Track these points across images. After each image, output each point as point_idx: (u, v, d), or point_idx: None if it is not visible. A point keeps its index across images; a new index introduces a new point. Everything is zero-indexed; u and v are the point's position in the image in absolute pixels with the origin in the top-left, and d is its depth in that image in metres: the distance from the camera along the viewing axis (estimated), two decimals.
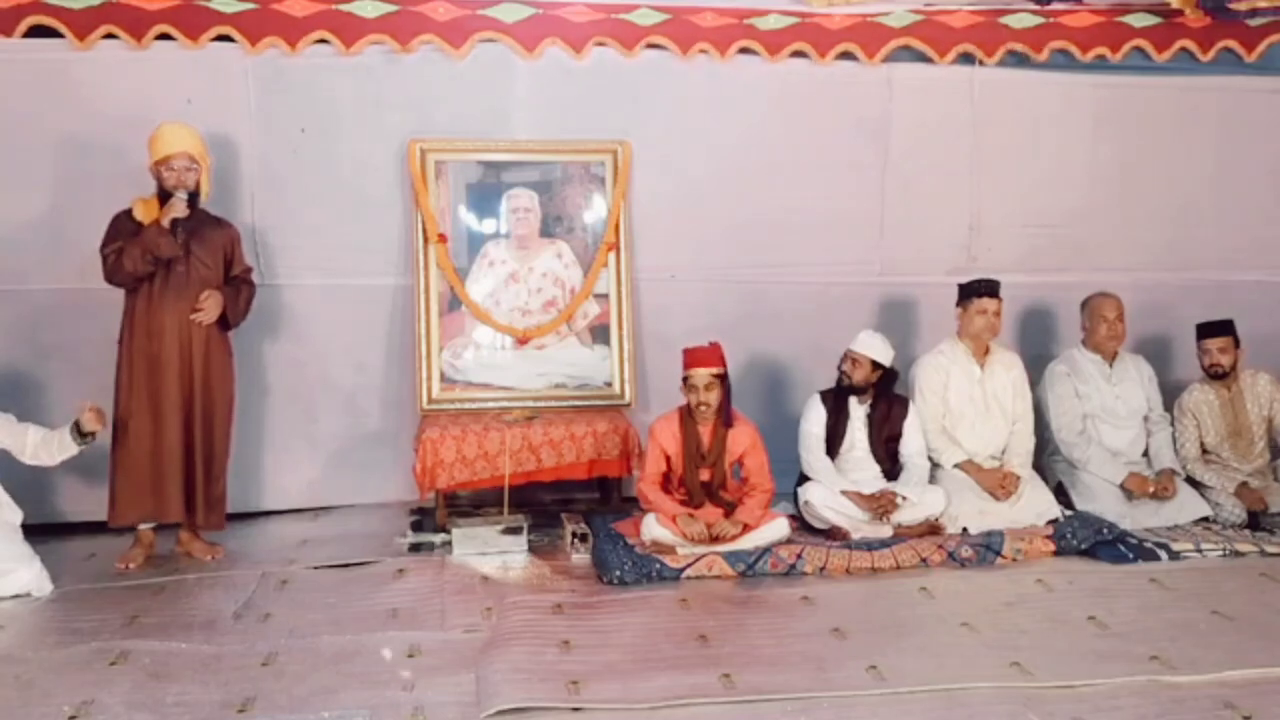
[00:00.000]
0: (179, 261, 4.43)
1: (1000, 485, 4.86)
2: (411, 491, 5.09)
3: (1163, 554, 4.47)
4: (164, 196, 4.41)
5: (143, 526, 4.52)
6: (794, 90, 5.52)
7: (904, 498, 4.70)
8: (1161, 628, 3.69)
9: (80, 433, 4.24)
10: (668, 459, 4.63)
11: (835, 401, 4.88)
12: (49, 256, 4.94)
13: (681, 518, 4.46)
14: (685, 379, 4.58)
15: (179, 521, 4.53)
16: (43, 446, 4.28)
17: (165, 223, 4.35)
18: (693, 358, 4.58)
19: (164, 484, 4.43)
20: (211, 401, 4.52)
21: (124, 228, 4.41)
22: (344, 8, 5.11)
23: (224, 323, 4.57)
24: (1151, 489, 4.91)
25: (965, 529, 4.72)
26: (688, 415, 4.63)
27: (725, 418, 4.61)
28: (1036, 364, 5.35)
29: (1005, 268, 5.44)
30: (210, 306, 4.46)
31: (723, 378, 4.57)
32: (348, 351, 5.33)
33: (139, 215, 4.42)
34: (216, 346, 4.55)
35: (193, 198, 4.44)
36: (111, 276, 4.41)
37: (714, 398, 4.55)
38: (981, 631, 3.68)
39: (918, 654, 3.46)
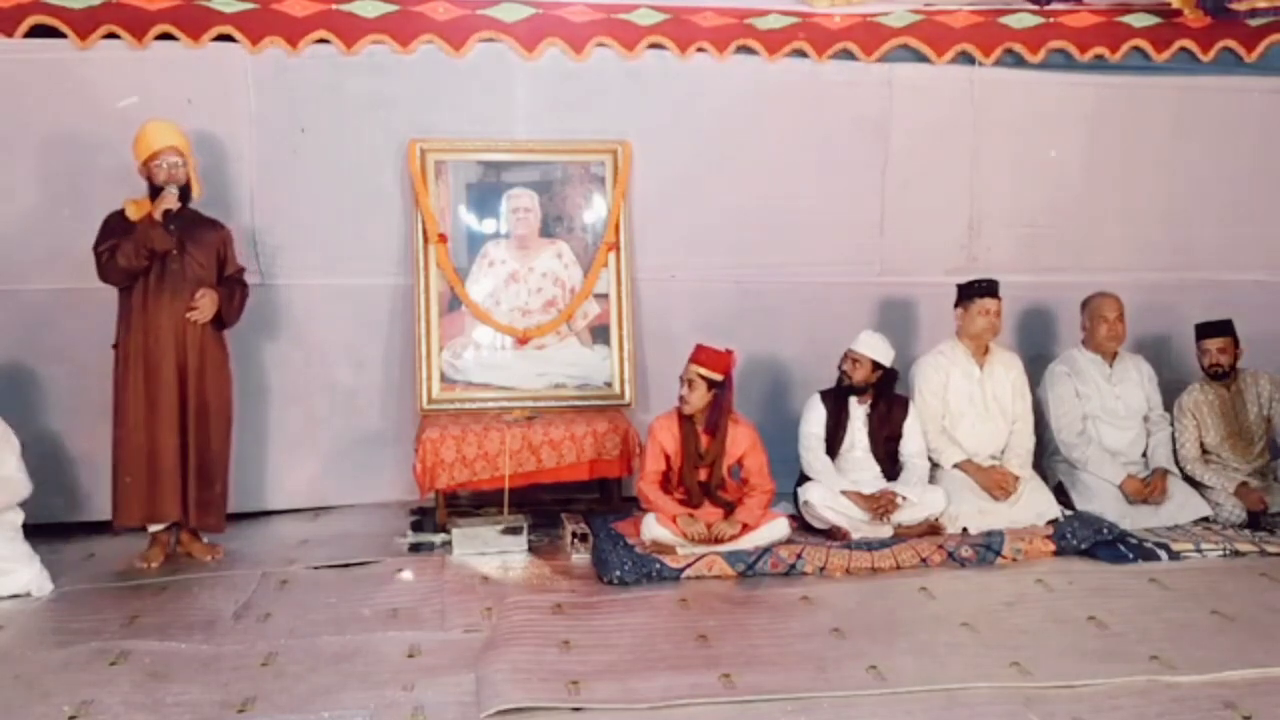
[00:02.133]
0: (173, 260, 4.42)
1: (999, 485, 4.86)
2: (411, 491, 5.09)
3: (1163, 554, 4.47)
4: (155, 195, 4.39)
5: (153, 528, 4.51)
6: (794, 90, 5.52)
7: (904, 498, 4.70)
8: (1161, 628, 3.69)
9: None
10: (667, 458, 4.62)
11: (835, 401, 4.88)
12: (49, 256, 4.94)
13: (682, 518, 4.46)
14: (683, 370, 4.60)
15: (178, 521, 4.52)
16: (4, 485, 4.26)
17: (158, 215, 4.34)
18: (695, 352, 4.59)
19: (161, 484, 4.42)
20: (207, 402, 4.50)
21: (117, 227, 4.40)
22: (344, 8, 5.11)
23: (219, 322, 4.56)
24: (1145, 495, 4.91)
25: (965, 529, 4.72)
26: (687, 414, 4.63)
27: (711, 424, 4.59)
28: (1036, 364, 5.35)
29: (1005, 268, 5.44)
30: (205, 305, 4.45)
31: (713, 383, 4.54)
32: (348, 351, 5.33)
33: (131, 216, 4.41)
34: (212, 346, 4.54)
35: (183, 193, 4.43)
36: (105, 274, 4.40)
37: (695, 397, 4.54)
38: (981, 631, 3.68)
39: (918, 654, 3.46)
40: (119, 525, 4.47)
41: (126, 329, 4.43)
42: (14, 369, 4.96)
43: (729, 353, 4.58)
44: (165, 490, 4.42)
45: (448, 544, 4.68)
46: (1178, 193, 5.90)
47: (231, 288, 4.62)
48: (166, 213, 4.36)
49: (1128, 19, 5.68)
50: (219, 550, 4.62)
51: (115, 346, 4.47)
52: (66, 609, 3.99)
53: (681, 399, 4.58)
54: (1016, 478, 4.92)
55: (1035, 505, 4.86)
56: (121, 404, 4.43)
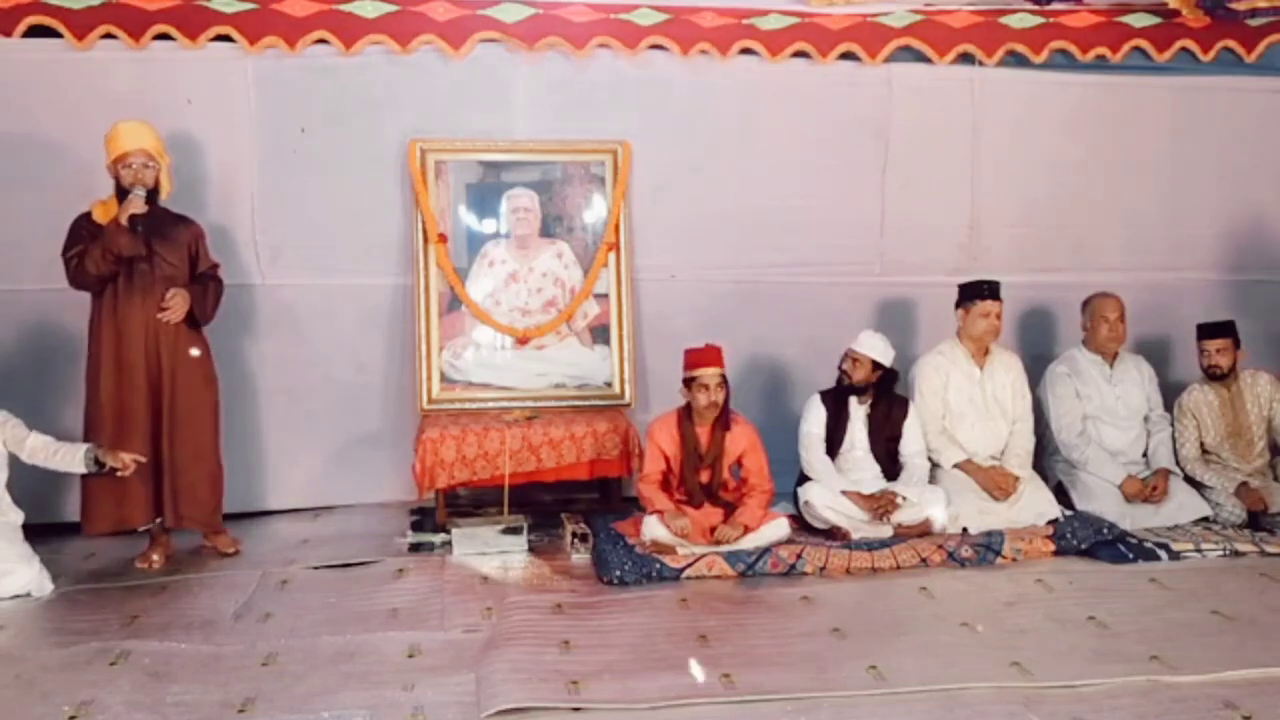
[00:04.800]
0: (143, 261, 4.38)
1: (999, 486, 4.86)
2: (411, 491, 5.09)
3: (1163, 554, 4.47)
4: (122, 196, 4.36)
5: (143, 527, 4.50)
6: (794, 90, 5.52)
7: (904, 498, 4.70)
8: (1161, 628, 3.68)
9: (98, 463, 4.21)
10: (667, 460, 4.62)
11: (835, 401, 4.88)
12: (49, 256, 4.92)
13: (668, 513, 4.45)
14: (693, 379, 4.56)
15: (147, 525, 4.48)
16: (42, 449, 4.24)
17: (123, 220, 4.30)
18: (701, 358, 4.58)
19: (129, 489, 4.37)
20: (184, 402, 4.46)
21: (84, 230, 4.36)
22: (344, 8, 5.11)
23: (193, 321, 4.52)
24: (1146, 493, 4.91)
25: (965, 529, 4.72)
26: (686, 416, 4.63)
27: (724, 420, 4.61)
28: (1036, 364, 5.35)
29: (1005, 268, 5.45)
30: (177, 304, 4.41)
31: (725, 379, 4.58)
32: (348, 351, 5.34)
33: (98, 217, 4.37)
34: (188, 345, 4.50)
35: (152, 195, 4.39)
36: (75, 280, 4.37)
37: (722, 396, 4.56)
38: (981, 631, 3.68)
39: (918, 654, 3.46)
40: (89, 532, 4.45)
41: (98, 333, 4.40)
42: (14, 369, 4.96)
43: (718, 346, 4.60)
44: (133, 495, 4.38)
45: (448, 544, 4.68)
46: (1178, 193, 5.91)
47: (205, 284, 4.58)
48: (132, 216, 4.31)
49: (1128, 19, 5.68)
50: (238, 542, 4.65)
51: (88, 346, 4.44)
52: (66, 609, 3.99)
53: (712, 404, 4.54)
54: (1016, 478, 4.92)
55: (1035, 505, 4.86)
56: (93, 408, 4.40)
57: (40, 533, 4.47)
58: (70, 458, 4.22)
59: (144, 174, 4.38)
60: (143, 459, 4.27)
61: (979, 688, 3.19)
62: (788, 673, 3.30)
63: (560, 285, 5.42)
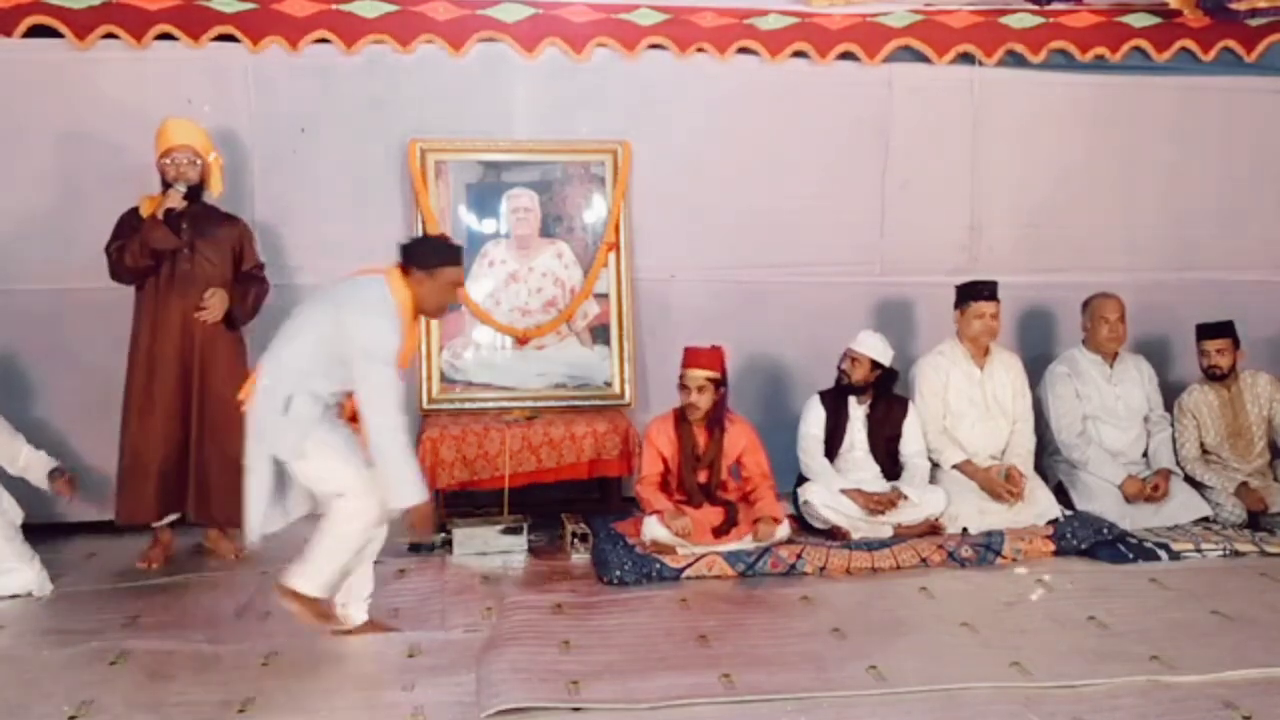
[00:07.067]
0: (184, 259, 4.41)
1: (1006, 490, 4.83)
2: None
3: (1163, 554, 4.47)
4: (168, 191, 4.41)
5: (156, 525, 4.51)
6: (794, 90, 5.52)
7: (905, 497, 4.70)
8: (1161, 628, 3.69)
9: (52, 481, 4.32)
10: (665, 461, 4.62)
11: (835, 401, 4.88)
12: (49, 256, 4.94)
13: (668, 513, 4.45)
14: (680, 377, 4.58)
15: (179, 518, 4.52)
16: (27, 466, 4.33)
17: (159, 214, 4.33)
18: (690, 358, 4.58)
19: (164, 483, 4.41)
20: (217, 400, 4.44)
21: (128, 225, 4.40)
22: (344, 8, 5.11)
23: (232, 321, 4.54)
24: (1146, 493, 4.91)
25: (965, 529, 4.72)
26: (683, 417, 4.62)
27: (713, 422, 4.59)
28: (1036, 364, 5.35)
29: (1005, 268, 5.45)
30: (215, 304, 4.43)
31: (718, 383, 4.55)
32: None
33: (144, 213, 4.41)
34: (223, 345, 4.51)
35: (195, 191, 4.43)
36: (114, 273, 4.42)
37: (705, 400, 4.54)
38: (981, 631, 3.68)
39: (918, 654, 3.46)
40: (121, 522, 4.49)
41: (137, 327, 4.44)
42: (14, 369, 4.96)
43: (720, 348, 4.59)
44: (167, 489, 4.42)
45: (448, 544, 4.68)
46: (1178, 193, 5.90)
47: (246, 284, 4.59)
48: (169, 211, 4.35)
49: (1128, 19, 5.68)
50: (243, 550, 4.61)
51: (131, 340, 4.48)
52: (66, 609, 3.99)
53: (690, 406, 4.55)
54: (1022, 474, 4.90)
55: (1035, 505, 4.86)
56: (127, 402, 4.44)
57: (40, 533, 4.47)
58: (38, 476, 4.31)
59: (187, 170, 4.41)
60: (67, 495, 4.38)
61: (979, 688, 3.20)
62: (788, 673, 3.31)
63: (560, 285, 5.42)
